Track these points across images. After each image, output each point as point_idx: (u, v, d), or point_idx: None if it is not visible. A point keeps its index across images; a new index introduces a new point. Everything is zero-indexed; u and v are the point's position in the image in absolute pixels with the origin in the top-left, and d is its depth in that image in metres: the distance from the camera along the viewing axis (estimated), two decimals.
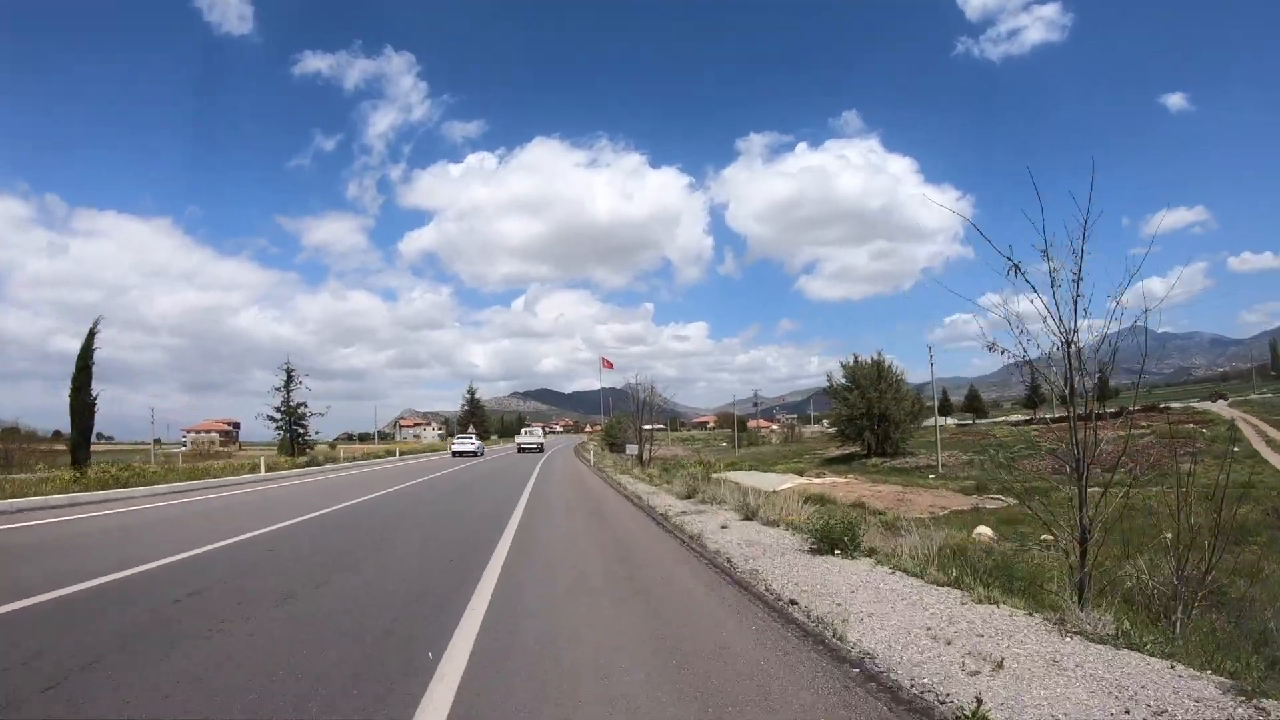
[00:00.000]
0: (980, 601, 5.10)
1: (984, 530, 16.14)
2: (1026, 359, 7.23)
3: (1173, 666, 3.84)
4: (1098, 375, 7.06)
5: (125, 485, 14.67)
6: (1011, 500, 26.56)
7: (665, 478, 21.06)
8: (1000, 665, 3.76)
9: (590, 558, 7.22)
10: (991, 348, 7.28)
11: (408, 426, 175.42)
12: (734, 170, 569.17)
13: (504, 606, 4.93)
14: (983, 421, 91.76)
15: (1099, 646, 4.19)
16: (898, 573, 5.98)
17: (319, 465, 27.50)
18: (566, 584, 5.86)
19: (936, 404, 58.85)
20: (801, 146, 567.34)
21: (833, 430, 71.56)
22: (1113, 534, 7.65)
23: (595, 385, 59.96)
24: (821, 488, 28.84)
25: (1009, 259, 6.92)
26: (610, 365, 46.09)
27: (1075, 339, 6.71)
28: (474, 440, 42.37)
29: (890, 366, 62.06)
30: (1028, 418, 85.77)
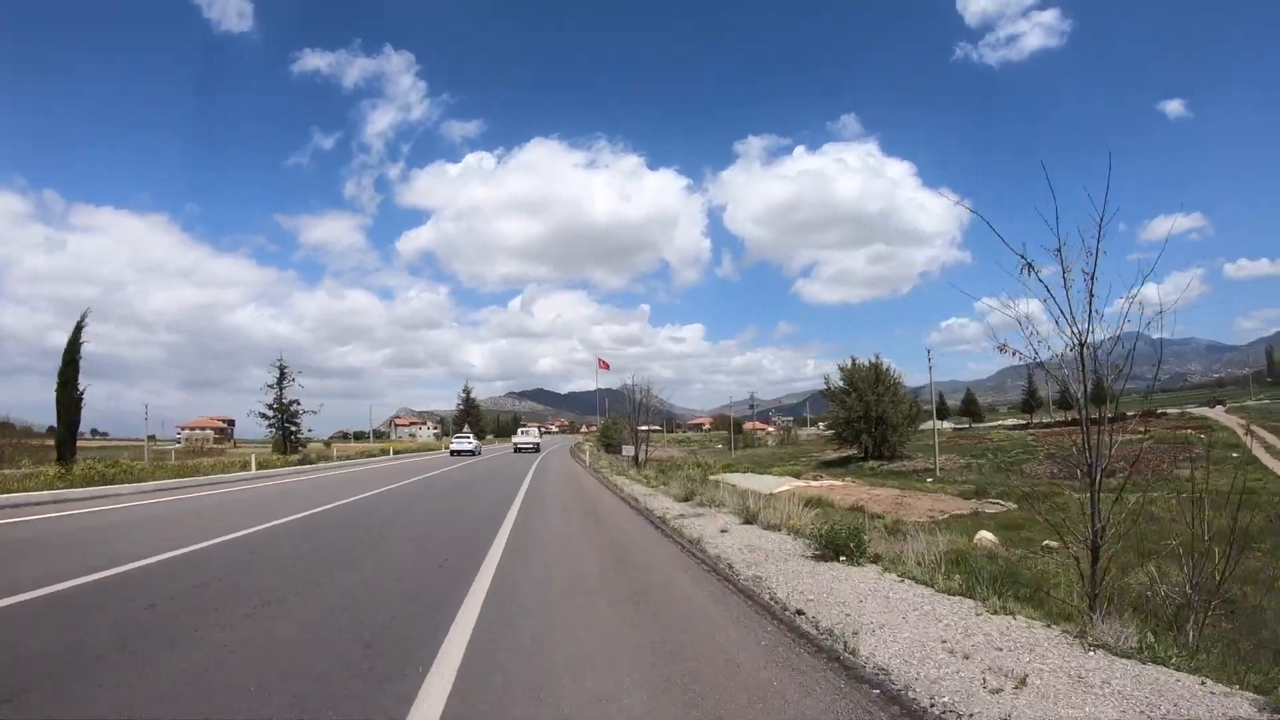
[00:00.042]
0: (995, 612, 4.87)
1: (986, 535, 15.93)
2: (1038, 361, 7.06)
3: (1203, 683, 3.65)
4: (1113, 377, 6.90)
5: (111, 482, 14.37)
6: (1012, 505, 26.40)
7: (662, 479, 20.83)
8: (1023, 682, 3.54)
9: (587, 563, 6.96)
10: (1003, 349, 7.11)
11: (403, 425, 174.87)
12: (732, 173, 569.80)
13: (495, 620, 4.66)
14: (979, 426, 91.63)
15: (1124, 661, 3.99)
16: (906, 580, 5.75)
17: (311, 463, 27.19)
18: (561, 588, 5.63)
19: (935, 407, 58.69)
20: (799, 150, 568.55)
21: (829, 433, 71.35)
22: (1119, 540, 7.47)
23: (591, 386, 59.94)
24: (819, 490, 28.63)
25: (1022, 256, 6.75)
26: (607, 366, 46.04)
27: (1091, 339, 6.54)
28: (471, 440, 43.08)
29: (888, 370, 61.93)
30: (1024, 422, 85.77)
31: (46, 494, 12.34)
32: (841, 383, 63.12)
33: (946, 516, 22.46)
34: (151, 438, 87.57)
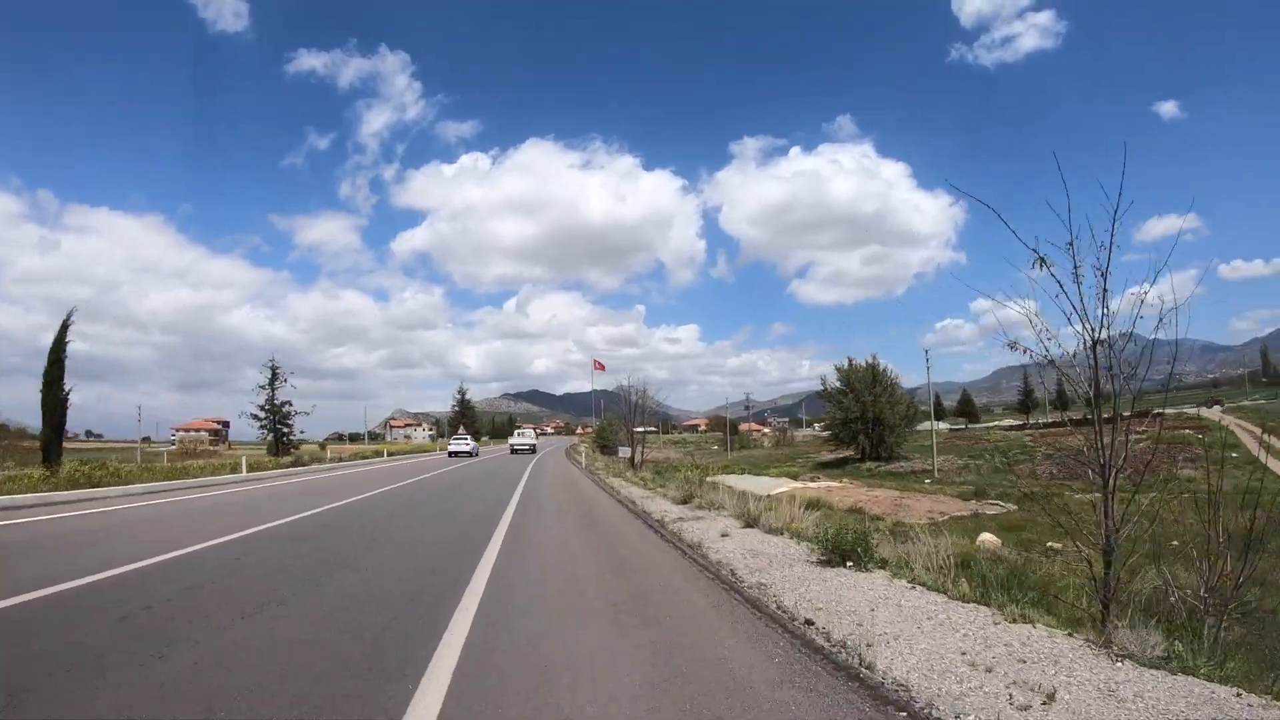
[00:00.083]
0: (1014, 620, 4.66)
1: (989, 538, 15.72)
2: (1049, 359, 6.88)
3: (1239, 694, 3.46)
4: (1126, 374, 6.71)
5: (98, 485, 14.06)
6: (1012, 506, 26.24)
7: (659, 481, 20.61)
8: (1052, 697, 3.32)
9: (584, 571, 6.71)
10: (1013, 346, 6.91)
11: (398, 427, 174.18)
12: (727, 173, 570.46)
13: (486, 640, 4.40)
14: (975, 426, 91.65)
15: (1153, 672, 3.80)
16: (918, 587, 5.53)
17: (304, 465, 26.86)
18: (557, 600, 5.37)
19: (933, 408, 58.54)
20: (795, 150, 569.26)
21: (826, 434, 71.20)
22: (1134, 543, 7.29)
23: (587, 387, 59.82)
24: (816, 492, 28.39)
25: (1034, 250, 6.56)
26: (602, 367, 45.77)
27: (1107, 336, 6.34)
28: (469, 441, 44.54)
29: (885, 370, 61.80)
30: (1021, 422, 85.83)
31: (31, 497, 12.04)
32: (838, 383, 62.98)
33: (946, 518, 22.26)
34: (146, 439, 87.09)
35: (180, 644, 3.85)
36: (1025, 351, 6.84)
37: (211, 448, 76.98)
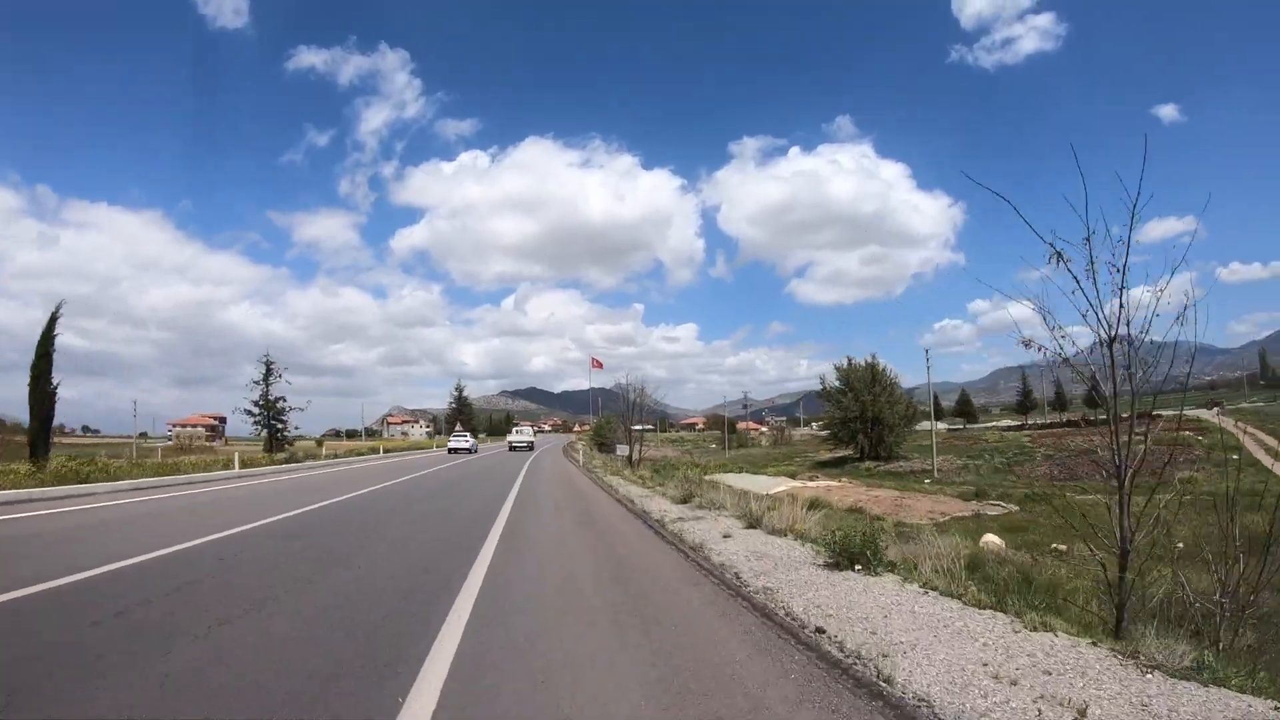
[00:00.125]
0: (1034, 628, 4.43)
1: (992, 539, 15.52)
2: (1064, 357, 6.69)
3: (1277, 709, 3.24)
4: (1145, 372, 6.52)
5: (86, 481, 13.78)
6: (1013, 506, 26.03)
7: (658, 480, 20.38)
8: (1084, 713, 3.10)
9: (582, 575, 6.48)
10: (1028, 344, 6.72)
11: (395, 424, 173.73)
12: (726, 173, 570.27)
13: (477, 653, 4.17)
14: (974, 426, 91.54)
15: (1184, 684, 3.59)
16: (930, 592, 5.30)
17: (298, 462, 26.57)
18: (555, 602, 5.14)
19: (933, 408, 58.30)
20: (794, 150, 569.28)
21: (824, 433, 71.00)
22: (1151, 547, 7.10)
23: (584, 385, 59.83)
24: (816, 491, 28.17)
25: (1051, 245, 6.39)
26: (600, 365, 45.53)
27: (1127, 332, 6.14)
28: (468, 438, 45.63)
29: (884, 370, 61.60)
30: (1020, 423, 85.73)
31: (18, 493, 11.75)
32: (838, 382, 62.78)
33: (948, 518, 22.08)
34: (143, 435, 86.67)
35: (148, 659, 3.60)
36: (1040, 350, 6.66)
37: (208, 443, 76.63)
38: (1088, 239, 6.34)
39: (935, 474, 46.01)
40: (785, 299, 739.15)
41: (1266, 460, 29.66)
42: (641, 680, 3.38)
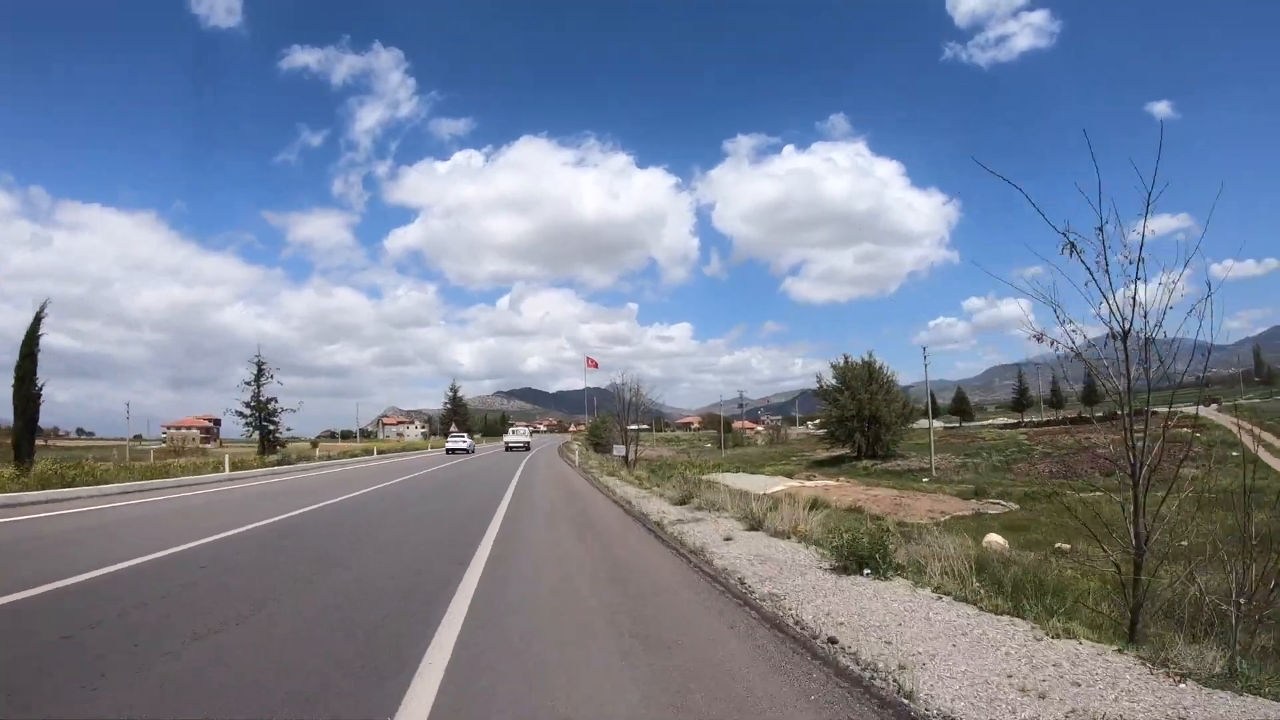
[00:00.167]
0: (1056, 636, 4.21)
1: (996, 538, 15.32)
2: (1076, 352, 6.50)
3: None
4: (1164, 367, 6.34)
5: (71, 484, 13.46)
6: (1013, 505, 25.89)
7: (655, 480, 20.17)
8: None
9: (580, 586, 6.23)
10: (1040, 339, 6.52)
11: (390, 424, 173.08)
12: (721, 171, 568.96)
13: (469, 668, 3.91)
14: (969, 424, 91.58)
15: (1220, 693, 3.40)
16: (944, 597, 5.06)
17: (291, 464, 26.24)
18: (551, 603, 4.89)
19: (930, 406, 58.16)
20: (788, 149, 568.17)
21: (821, 432, 70.84)
22: (1170, 548, 6.90)
23: (579, 384, 59.88)
24: (814, 491, 27.95)
25: (1065, 235, 6.19)
26: (595, 365, 45.24)
27: (1144, 325, 5.94)
28: (465, 439, 47.58)
29: (881, 368, 61.43)
30: (1015, 421, 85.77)
31: (2, 497, 11.45)
32: (834, 381, 62.56)
33: (948, 518, 21.91)
34: (138, 437, 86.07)
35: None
36: (1052, 344, 6.46)
37: (202, 445, 76.15)
38: (1100, 228, 6.14)
39: (933, 473, 45.89)
40: (780, 297, 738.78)
41: (1266, 457, 29.63)
42: (649, 701, 3.13)
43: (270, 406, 33.80)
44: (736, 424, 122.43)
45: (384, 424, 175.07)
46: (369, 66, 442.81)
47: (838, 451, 61.78)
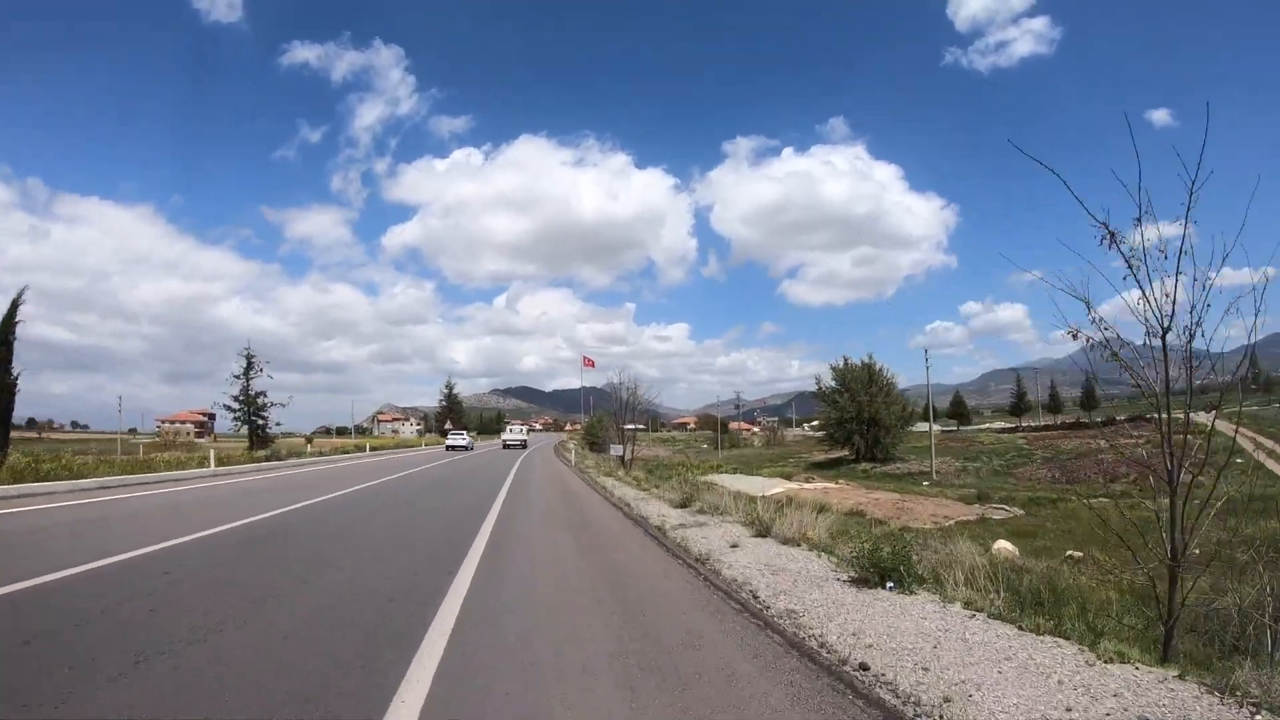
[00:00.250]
0: (1109, 660, 3.77)
1: (1005, 545, 14.89)
2: (1112, 351, 6.12)
3: None
4: (1208, 369, 5.97)
5: (46, 479, 12.95)
6: (1018, 510, 25.49)
7: (652, 481, 19.73)
8: None
9: (578, 602, 5.78)
10: (1074, 336, 6.14)
11: (386, 421, 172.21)
12: (720, 173, 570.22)
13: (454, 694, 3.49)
14: (966, 428, 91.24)
15: None
16: (977, 615, 4.62)
17: (280, 459, 25.70)
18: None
19: (931, 409, 57.65)
20: (788, 151, 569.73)
21: (819, 434, 70.38)
22: (1210, 559, 6.54)
23: (575, 384, 59.80)
24: (814, 493, 27.49)
25: (1104, 225, 5.81)
26: (592, 364, 44.79)
27: (1190, 322, 5.54)
28: (465, 436, 49.78)
29: (881, 370, 60.98)
30: (1013, 425, 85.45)
31: None
32: (833, 383, 62.11)
33: (952, 523, 21.49)
34: (133, 430, 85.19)
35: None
36: (1087, 341, 6.07)
37: (196, 440, 75.38)
38: (1138, 219, 5.77)
39: (934, 476, 45.47)
40: (777, 299, 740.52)
41: (1270, 464, 29.32)
42: None
43: (259, 401, 33.13)
44: (733, 425, 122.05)
45: (379, 420, 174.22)
46: (369, 63, 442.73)
47: (835, 453, 61.33)
